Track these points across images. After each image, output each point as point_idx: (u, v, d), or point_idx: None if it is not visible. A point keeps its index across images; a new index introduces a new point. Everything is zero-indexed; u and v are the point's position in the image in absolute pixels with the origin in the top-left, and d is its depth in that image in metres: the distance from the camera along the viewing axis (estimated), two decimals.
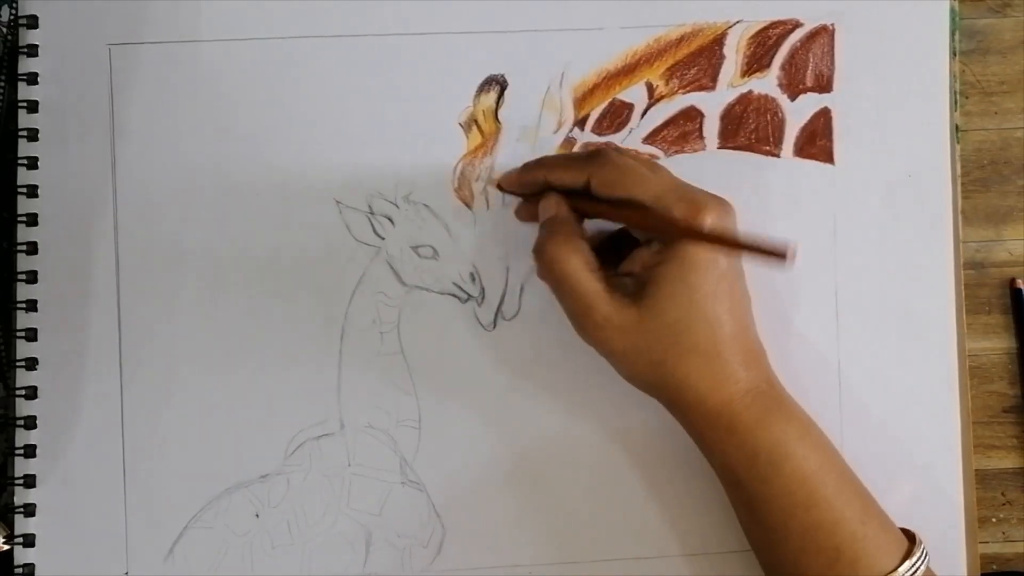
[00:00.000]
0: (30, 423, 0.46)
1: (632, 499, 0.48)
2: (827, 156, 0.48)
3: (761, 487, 0.41)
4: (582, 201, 0.42)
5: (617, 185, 0.41)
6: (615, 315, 0.40)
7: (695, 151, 0.48)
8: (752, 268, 0.46)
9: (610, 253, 0.43)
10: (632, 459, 0.48)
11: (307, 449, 0.47)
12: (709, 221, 0.39)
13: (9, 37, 0.48)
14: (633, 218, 0.41)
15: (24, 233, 0.47)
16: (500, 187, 0.47)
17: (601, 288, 0.41)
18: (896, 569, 0.40)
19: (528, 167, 0.45)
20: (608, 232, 0.45)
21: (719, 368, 0.40)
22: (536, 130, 0.48)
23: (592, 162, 0.42)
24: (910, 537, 0.42)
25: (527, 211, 0.46)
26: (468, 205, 0.48)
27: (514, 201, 0.47)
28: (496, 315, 0.48)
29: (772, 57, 0.48)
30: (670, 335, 0.40)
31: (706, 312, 0.40)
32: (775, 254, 0.36)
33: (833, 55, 0.48)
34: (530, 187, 0.44)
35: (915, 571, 0.40)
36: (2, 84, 0.48)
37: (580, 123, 0.48)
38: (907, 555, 0.40)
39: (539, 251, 0.42)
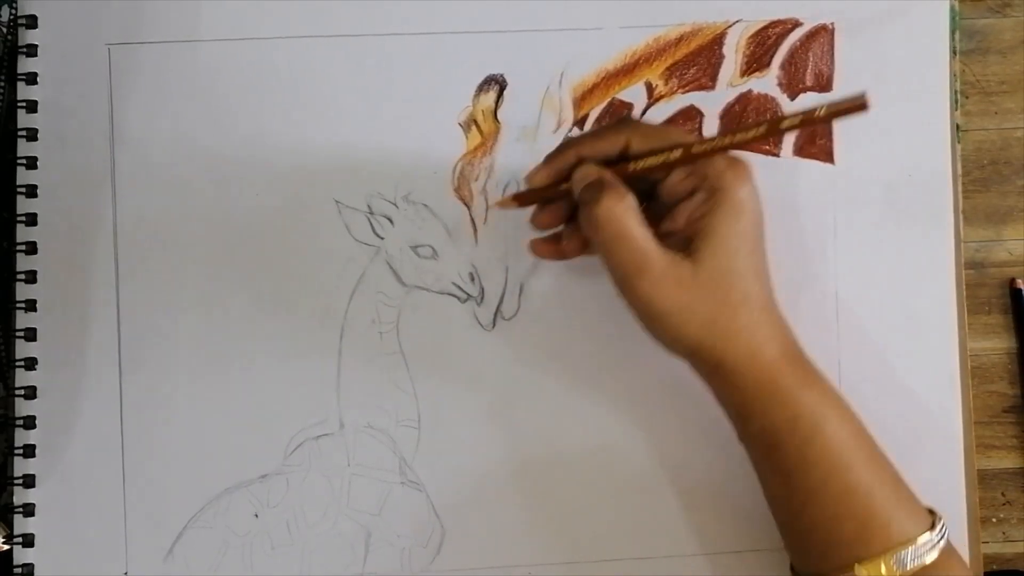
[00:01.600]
0: (30, 423, 0.46)
1: (630, 499, 0.47)
2: (827, 156, 0.48)
3: (801, 450, 0.40)
4: (620, 166, 0.41)
5: (656, 136, 0.41)
6: (671, 269, 0.39)
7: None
8: None
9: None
10: (631, 459, 0.48)
11: (307, 449, 0.47)
12: (748, 162, 0.39)
13: (9, 37, 0.48)
14: (681, 158, 0.40)
15: (24, 233, 0.47)
16: (519, 200, 0.44)
17: (656, 245, 0.40)
18: (923, 534, 0.40)
19: (554, 154, 0.43)
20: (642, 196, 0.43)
21: (771, 322, 0.41)
22: (535, 130, 0.48)
23: (626, 124, 0.42)
24: (932, 513, 0.42)
25: (549, 215, 0.44)
26: (468, 205, 0.48)
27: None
28: (495, 315, 0.48)
29: (772, 56, 0.48)
30: (724, 287, 0.40)
31: (755, 262, 0.40)
32: (855, 106, 0.35)
33: (833, 54, 0.48)
34: (561, 173, 0.42)
35: (940, 540, 0.40)
36: (2, 84, 0.48)
37: (580, 123, 0.48)
38: (932, 526, 0.40)
39: (591, 211, 0.40)
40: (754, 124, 0.39)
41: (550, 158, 0.43)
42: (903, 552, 0.39)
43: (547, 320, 0.47)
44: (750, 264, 0.40)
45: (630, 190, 0.40)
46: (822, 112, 0.37)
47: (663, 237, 0.41)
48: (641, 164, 0.41)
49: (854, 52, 0.48)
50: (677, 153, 0.40)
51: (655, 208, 0.42)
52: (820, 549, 0.41)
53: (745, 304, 0.40)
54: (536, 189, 0.43)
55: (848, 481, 0.40)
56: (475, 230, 0.48)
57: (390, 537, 0.47)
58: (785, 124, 0.38)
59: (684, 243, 0.40)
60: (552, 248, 0.44)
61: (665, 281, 0.39)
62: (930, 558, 0.40)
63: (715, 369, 0.41)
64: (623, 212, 0.40)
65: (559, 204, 0.43)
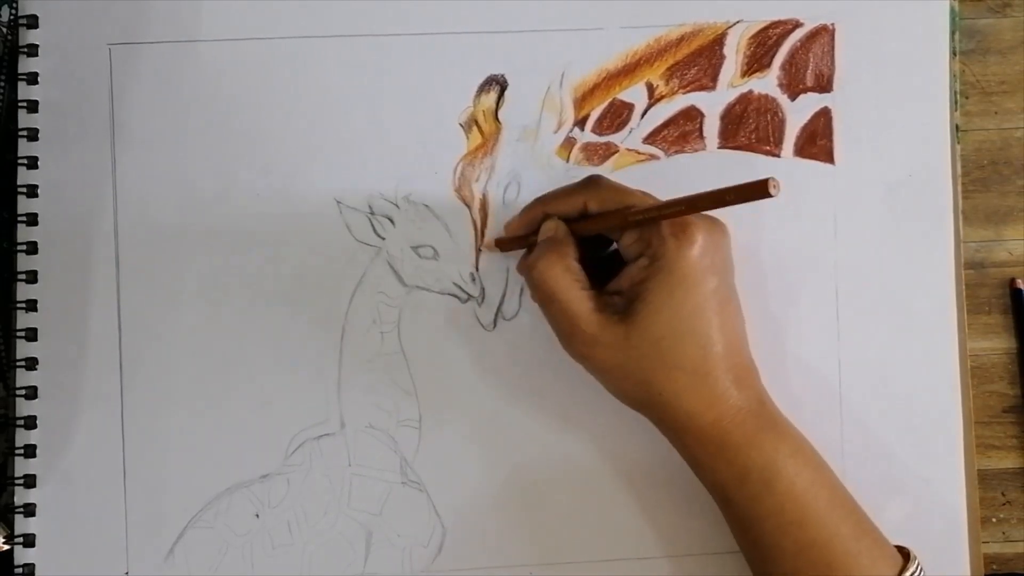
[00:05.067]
0: (30, 423, 0.46)
1: (631, 500, 0.48)
2: (827, 156, 0.48)
3: (753, 505, 0.41)
4: (579, 223, 0.43)
5: (611, 200, 0.42)
6: (601, 332, 0.41)
7: (695, 151, 0.48)
8: (751, 269, 0.46)
9: (603, 275, 0.43)
10: (631, 460, 0.48)
11: (307, 449, 0.47)
12: (697, 228, 0.40)
13: (9, 37, 0.48)
14: (625, 219, 0.41)
15: (24, 233, 0.47)
16: (500, 245, 0.47)
17: (590, 306, 0.41)
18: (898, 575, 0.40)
19: (527, 208, 0.45)
20: (601, 255, 0.45)
21: (709, 386, 0.40)
22: (536, 130, 0.48)
23: (587, 186, 0.43)
24: (905, 554, 0.42)
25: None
26: (469, 205, 0.48)
27: (518, 198, 0.47)
28: (496, 315, 0.48)
29: (772, 57, 0.48)
30: (657, 352, 0.40)
31: (694, 328, 0.40)
32: (757, 190, 0.36)
33: (833, 55, 0.48)
34: (532, 225, 0.45)
35: None
36: (2, 84, 0.48)
37: (580, 123, 0.48)
38: (901, 571, 0.40)
39: (529, 268, 0.42)
40: (675, 202, 0.40)
41: (524, 211, 0.45)
42: None
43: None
44: (688, 330, 0.40)
45: (573, 251, 0.42)
46: (731, 195, 0.38)
47: (610, 295, 0.42)
48: (589, 229, 0.43)
49: (854, 52, 0.48)
50: (614, 221, 0.42)
51: (616, 262, 0.43)
52: None
53: (680, 369, 0.40)
54: (512, 238, 0.46)
55: (804, 536, 0.40)
56: (476, 230, 0.48)
57: (391, 537, 0.47)
58: (701, 203, 0.39)
59: (628, 303, 0.41)
60: None
61: (596, 343, 0.41)
62: None
63: (659, 425, 0.43)
64: (557, 275, 0.41)
65: None
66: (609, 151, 0.48)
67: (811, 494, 0.40)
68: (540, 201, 0.45)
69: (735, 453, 0.40)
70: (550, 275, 0.41)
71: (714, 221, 0.41)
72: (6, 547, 0.46)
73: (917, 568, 0.41)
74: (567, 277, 0.41)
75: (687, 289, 0.40)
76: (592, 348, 0.41)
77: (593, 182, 0.43)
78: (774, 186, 0.35)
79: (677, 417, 0.41)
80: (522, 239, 0.46)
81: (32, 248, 0.47)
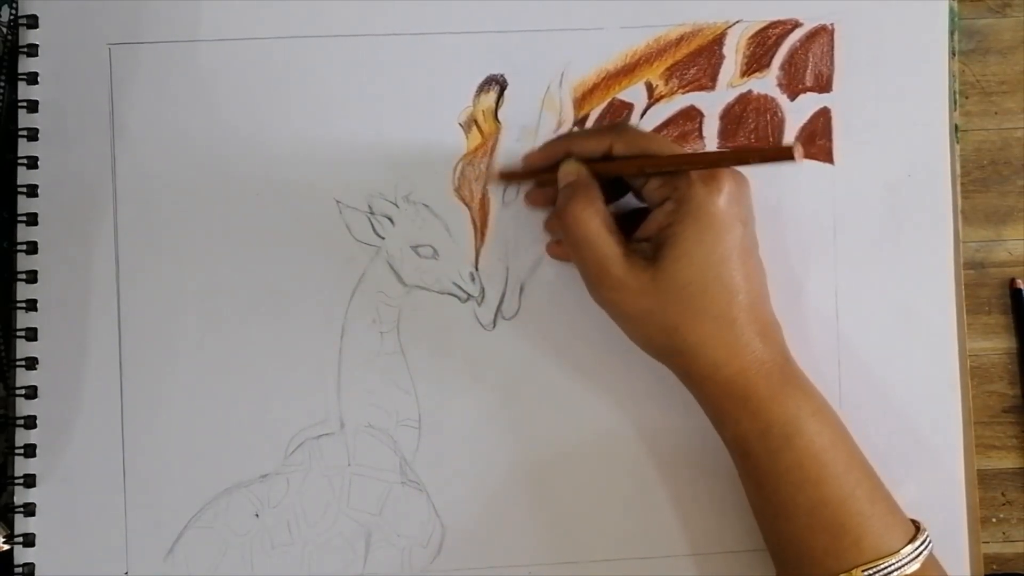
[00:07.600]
0: (30, 423, 0.46)
1: (632, 498, 0.48)
2: (827, 156, 0.48)
3: (771, 461, 0.41)
4: (601, 164, 0.43)
5: (637, 144, 0.42)
6: (629, 276, 0.41)
7: (694, 151, 0.48)
8: None
9: (627, 224, 0.43)
10: (632, 458, 0.48)
11: (307, 449, 0.47)
12: (725, 176, 0.40)
13: (9, 37, 0.48)
14: (650, 164, 0.42)
15: (24, 233, 0.47)
16: (504, 177, 0.47)
17: (619, 251, 0.41)
18: (900, 550, 0.40)
19: (549, 143, 0.45)
20: (625, 203, 0.45)
21: (734, 335, 0.40)
22: (536, 130, 0.48)
23: (614, 129, 0.43)
24: (915, 525, 0.42)
25: (539, 196, 0.46)
26: (469, 205, 0.48)
27: (517, 198, 0.47)
28: (496, 315, 0.48)
29: (772, 57, 0.48)
30: (684, 297, 0.40)
31: (721, 275, 0.40)
32: (782, 154, 0.37)
33: (833, 55, 0.48)
34: (552, 160, 0.44)
35: (918, 554, 0.40)
36: (2, 84, 0.48)
37: (580, 123, 0.48)
38: (911, 539, 0.40)
39: (561, 211, 0.42)
40: (699, 156, 0.43)
41: (546, 146, 0.46)
42: (875, 568, 0.39)
43: (548, 320, 0.47)
44: (716, 276, 0.40)
45: (601, 195, 0.42)
46: (755, 156, 0.39)
47: (637, 242, 0.42)
48: (611, 169, 0.43)
49: (854, 53, 0.48)
50: (638, 164, 0.42)
51: (640, 213, 0.43)
52: (794, 561, 0.41)
53: (706, 315, 0.40)
54: (519, 172, 0.47)
55: (819, 494, 0.40)
56: (476, 230, 0.48)
57: (390, 537, 0.47)
58: (724, 160, 0.41)
59: (655, 249, 0.41)
60: (560, 248, 0.47)
61: (625, 287, 0.41)
62: (908, 571, 0.40)
63: (684, 376, 0.43)
64: (589, 217, 0.41)
65: (551, 188, 0.45)
66: None
67: (830, 454, 0.41)
68: (565, 138, 0.45)
69: (759, 406, 0.41)
70: (583, 217, 0.41)
71: (737, 171, 0.41)
72: (6, 547, 0.46)
73: (926, 540, 0.41)
74: (597, 220, 0.41)
75: (715, 235, 0.40)
76: (620, 293, 0.41)
77: (621, 125, 0.43)
78: (799, 151, 0.36)
79: (702, 366, 0.41)
80: (531, 173, 0.46)
81: (32, 248, 0.47)
